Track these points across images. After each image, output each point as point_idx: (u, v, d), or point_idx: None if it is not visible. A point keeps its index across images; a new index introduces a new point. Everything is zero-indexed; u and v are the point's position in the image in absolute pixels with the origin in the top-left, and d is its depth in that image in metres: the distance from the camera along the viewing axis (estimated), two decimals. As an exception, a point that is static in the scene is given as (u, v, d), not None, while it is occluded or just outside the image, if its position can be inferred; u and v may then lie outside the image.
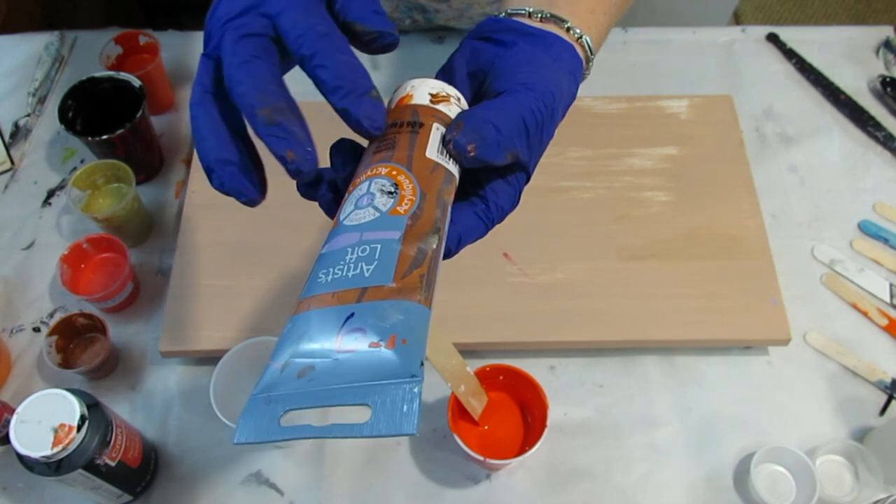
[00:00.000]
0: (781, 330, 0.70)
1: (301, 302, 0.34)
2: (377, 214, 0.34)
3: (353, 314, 0.32)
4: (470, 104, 0.42)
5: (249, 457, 0.68)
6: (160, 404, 0.70)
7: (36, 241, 0.80)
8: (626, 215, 0.76)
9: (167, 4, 1.78)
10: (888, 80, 0.89)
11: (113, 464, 0.58)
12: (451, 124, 0.38)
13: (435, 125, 0.38)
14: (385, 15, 0.40)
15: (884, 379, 0.72)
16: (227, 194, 0.37)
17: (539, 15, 0.43)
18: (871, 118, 0.87)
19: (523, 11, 0.44)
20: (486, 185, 0.40)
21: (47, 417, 0.54)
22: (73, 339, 0.72)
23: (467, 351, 0.65)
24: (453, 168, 0.38)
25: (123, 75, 0.78)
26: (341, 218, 0.36)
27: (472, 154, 0.37)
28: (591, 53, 0.44)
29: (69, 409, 0.54)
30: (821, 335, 0.74)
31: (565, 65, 0.42)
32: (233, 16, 0.38)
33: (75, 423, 0.54)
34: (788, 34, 0.95)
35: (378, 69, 0.91)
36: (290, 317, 0.34)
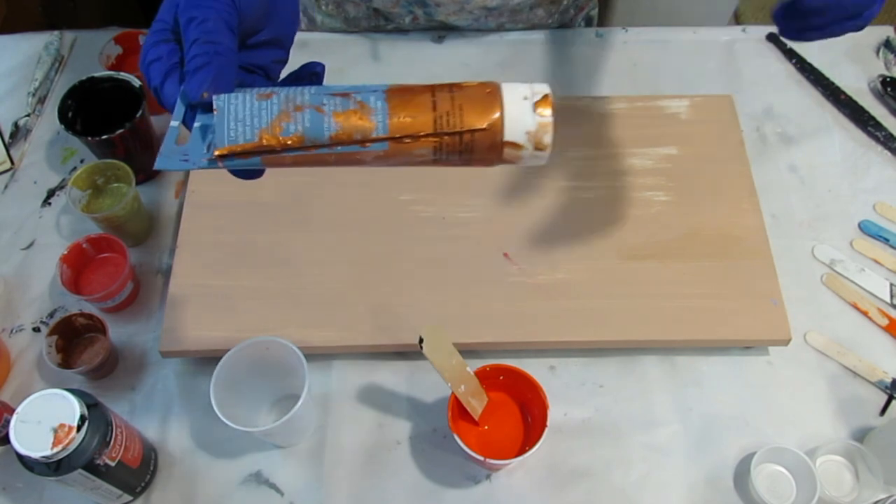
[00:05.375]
0: (782, 330, 0.70)
1: None
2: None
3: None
4: None
5: (249, 457, 0.68)
6: (160, 404, 0.70)
7: (36, 241, 0.80)
8: (627, 215, 0.76)
9: (167, 4, 1.77)
10: (888, 79, 0.89)
11: (113, 464, 0.58)
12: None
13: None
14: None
15: (884, 379, 0.71)
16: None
17: None
18: (872, 118, 0.87)
19: None
20: None
21: (47, 417, 0.54)
22: (73, 339, 0.72)
23: (467, 351, 0.64)
24: None
25: (123, 75, 0.78)
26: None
27: None
28: None
29: (69, 409, 0.54)
30: (821, 335, 0.74)
31: None
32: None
33: (75, 423, 0.54)
34: (789, 34, 0.95)
35: (380, 69, 0.91)
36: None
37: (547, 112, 0.40)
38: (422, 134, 0.39)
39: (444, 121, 0.39)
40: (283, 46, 0.47)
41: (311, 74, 0.45)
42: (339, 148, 0.39)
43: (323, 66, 0.45)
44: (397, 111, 0.39)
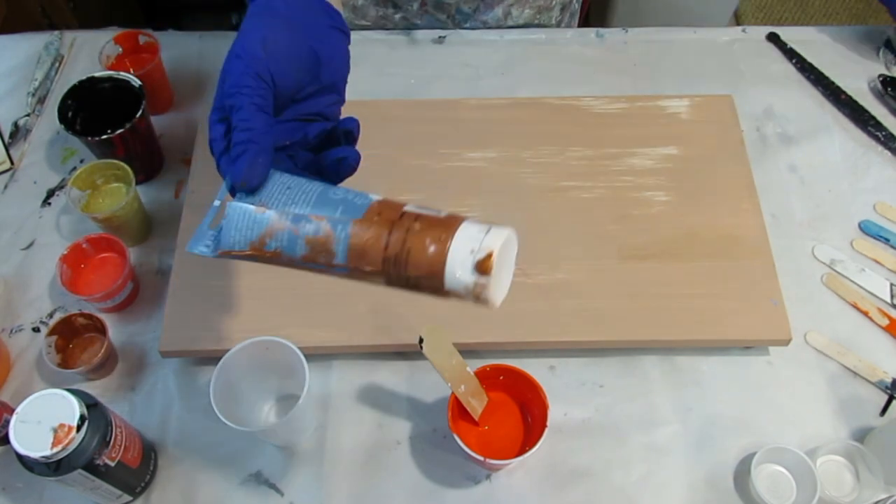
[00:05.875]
0: (782, 330, 0.70)
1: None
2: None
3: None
4: None
5: (249, 457, 0.68)
6: (160, 404, 0.70)
7: (36, 241, 0.80)
8: (627, 215, 0.76)
9: (167, 4, 1.78)
10: (888, 79, 0.89)
11: (112, 464, 0.58)
12: None
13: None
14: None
15: (884, 379, 0.71)
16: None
17: None
18: (872, 118, 0.87)
19: None
20: None
21: (47, 417, 0.54)
22: (73, 339, 0.72)
23: (467, 351, 0.64)
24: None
25: (123, 75, 0.78)
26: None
27: None
28: None
29: (69, 409, 0.54)
30: (821, 335, 0.74)
31: None
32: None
33: (75, 423, 0.54)
34: (789, 34, 0.95)
35: (380, 69, 0.91)
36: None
37: (485, 274, 0.41)
38: (370, 270, 0.44)
39: (391, 262, 0.43)
40: (336, 91, 0.53)
41: (345, 133, 0.50)
42: (309, 265, 0.45)
43: (357, 124, 0.50)
44: (355, 245, 0.43)
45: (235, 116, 0.46)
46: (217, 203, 0.47)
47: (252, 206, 0.45)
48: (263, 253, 0.45)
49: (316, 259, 0.44)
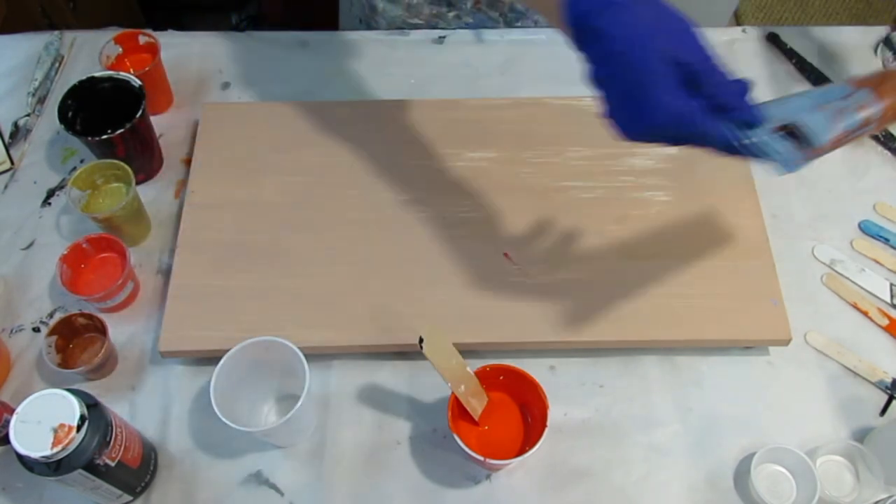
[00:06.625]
0: (782, 330, 0.70)
1: None
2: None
3: None
4: None
5: (249, 457, 0.68)
6: (160, 404, 0.70)
7: (36, 241, 0.80)
8: (627, 215, 0.76)
9: (167, 4, 1.78)
10: (888, 79, 0.89)
11: (113, 464, 0.58)
12: None
13: None
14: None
15: (884, 379, 0.71)
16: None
17: None
18: (872, 118, 0.87)
19: None
20: None
21: (47, 417, 0.54)
22: (73, 339, 0.72)
23: (467, 351, 0.64)
24: None
25: (123, 75, 0.78)
26: None
27: None
28: None
29: (69, 409, 0.54)
30: (821, 335, 0.74)
31: None
32: None
33: (75, 423, 0.54)
34: (789, 34, 0.95)
35: (379, 69, 0.91)
36: None
37: None
38: None
39: None
40: None
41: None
42: (861, 130, 0.57)
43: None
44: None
45: (716, 79, 0.52)
46: (779, 143, 0.56)
47: (818, 110, 0.55)
48: (839, 139, 0.56)
49: (867, 124, 0.57)
